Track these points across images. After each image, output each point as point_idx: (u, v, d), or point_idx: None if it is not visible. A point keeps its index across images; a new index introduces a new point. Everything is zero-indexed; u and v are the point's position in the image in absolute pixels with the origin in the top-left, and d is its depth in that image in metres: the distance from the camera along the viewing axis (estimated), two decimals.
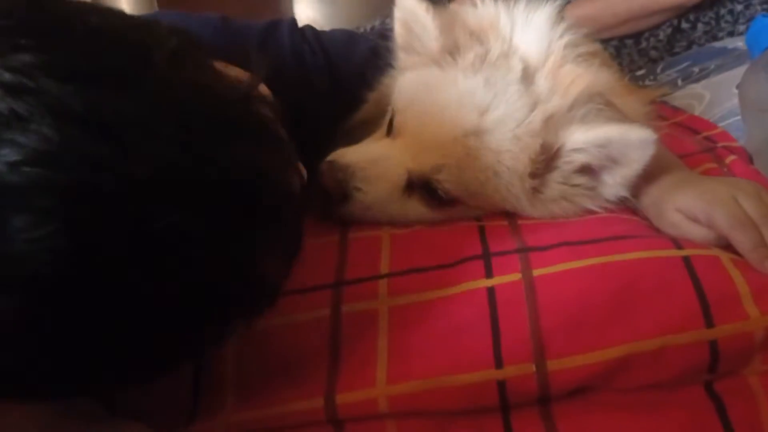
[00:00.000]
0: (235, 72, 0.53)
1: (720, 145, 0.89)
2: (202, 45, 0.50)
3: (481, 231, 0.69)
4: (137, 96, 0.41)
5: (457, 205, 0.72)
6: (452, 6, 0.96)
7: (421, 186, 0.72)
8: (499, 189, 0.71)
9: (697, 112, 1.04)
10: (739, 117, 0.96)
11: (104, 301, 0.40)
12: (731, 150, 0.87)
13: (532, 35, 0.78)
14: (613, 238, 0.64)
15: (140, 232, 0.40)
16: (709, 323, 0.54)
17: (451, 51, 0.76)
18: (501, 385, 0.54)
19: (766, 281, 0.58)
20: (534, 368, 0.54)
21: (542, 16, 0.79)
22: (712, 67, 1.16)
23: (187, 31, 0.50)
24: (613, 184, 0.72)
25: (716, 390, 0.55)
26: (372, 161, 0.71)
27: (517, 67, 0.74)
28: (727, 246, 0.64)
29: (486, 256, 0.64)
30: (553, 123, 0.71)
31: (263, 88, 0.58)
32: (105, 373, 0.44)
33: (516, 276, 0.60)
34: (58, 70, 0.39)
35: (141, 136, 0.40)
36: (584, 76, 0.76)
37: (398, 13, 0.81)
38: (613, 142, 0.68)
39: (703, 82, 1.12)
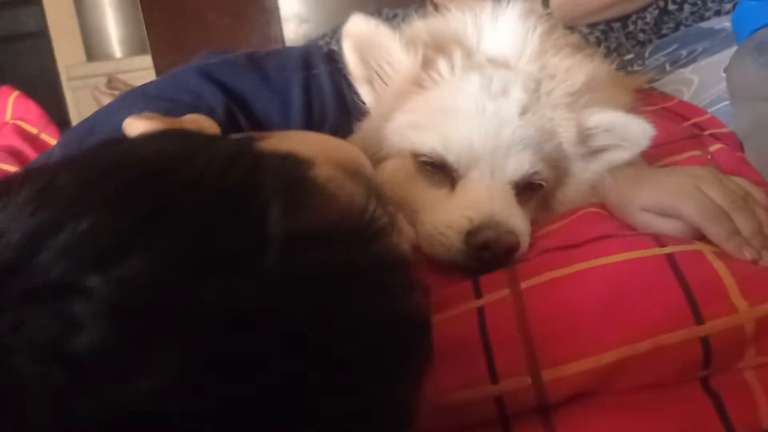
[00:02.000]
0: (337, 180, 0.48)
1: (708, 132, 0.90)
2: (309, 162, 0.46)
3: None
4: (257, 281, 0.37)
5: (539, 192, 0.77)
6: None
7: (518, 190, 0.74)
8: (566, 157, 0.77)
9: (685, 98, 1.04)
10: (727, 102, 0.96)
11: None
12: (718, 137, 0.88)
13: (504, 33, 0.81)
14: (596, 239, 0.65)
15: None
16: (699, 320, 0.54)
17: (422, 66, 0.77)
18: (498, 400, 0.54)
19: (752, 272, 0.58)
20: (530, 380, 0.54)
21: (511, 13, 0.82)
22: (700, 49, 1.15)
23: (291, 155, 0.45)
24: (598, 168, 0.78)
25: (713, 386, 0.55)
26: (514, 214, 0.71)
27: (482, 61, 0.78)
28: (702, 237, 0.65)
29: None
30: (576, 102, 0.77)
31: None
32: None
33: (504, 292, 0.61)
34: (168, 274, 0.35)
35: (268, 325, 0.36)
36: (581, 65, 0.81)
37: (350, 42, 0.77)
38: (616, 127, 0.75)
39: (691, 66, 1.12)
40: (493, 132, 0.73)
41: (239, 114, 0.76)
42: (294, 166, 0.45)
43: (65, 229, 0.35)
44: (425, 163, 0.75)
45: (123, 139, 0.52)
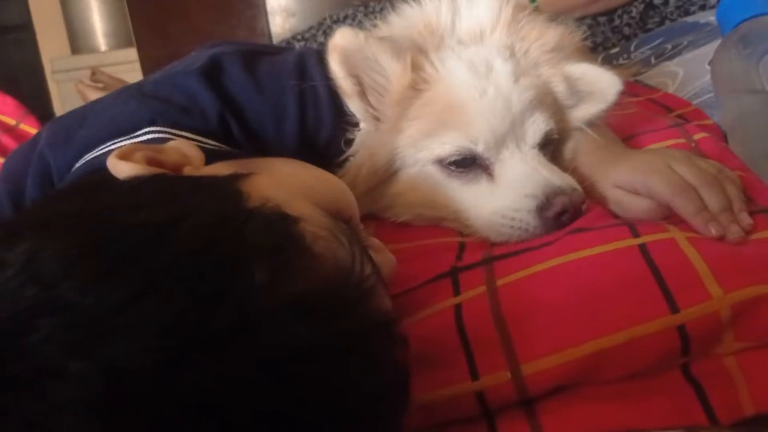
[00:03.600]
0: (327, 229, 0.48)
1: (693, 123, 0.90)
2: (296, 225, 0.45)
3: (461, 246, 0.72)
4: (240, 363, 0.36)
5: (551, 147, 0.80)
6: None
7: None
8: (561, 109, 0.81)
9: (670, 90, 1.05)
10: (712, 94, 0.96)
11: None
12: (703, 128, 0.87)
13: (480, 9, 0.83)
14: (571, 232, 0.66)
15: None
16: (674, 309, 0.54)
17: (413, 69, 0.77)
18: (479, 396, 0.54)
19: (725, 258, 0.58)
20: (509, 375, 0.54)
21: None
22: (685, 43, 1.16)
23: (279, 214, 0.45)
24: (577, 119, 0.81)
25: (694, 374, 0.54)
26: (558, 171, 0.75)
27: (452, 44, 0.81)
28: (671, 215, 0.66)
29: (453, 273, 0.65)
30: (554, 58, 0.81)
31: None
32: None
33: (481, 289, 0.61)
34: (149, 359, 0.35)
35: (253, 407, 0.36)
36: (551, 29, 0.84)
37: (337, 56, 0.75)
38: (588, 76, 0.79)
39: (676, 60, 1.12)
40: (504, 108, 0.75)
41: (232, 121, 0.74)
42: (281, 228, 0.44)
43: (51, 312, 0.35)
44: (453, 164, 0.75)
45: (106, 186, 0.52)
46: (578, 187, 0.72)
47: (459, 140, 0.74)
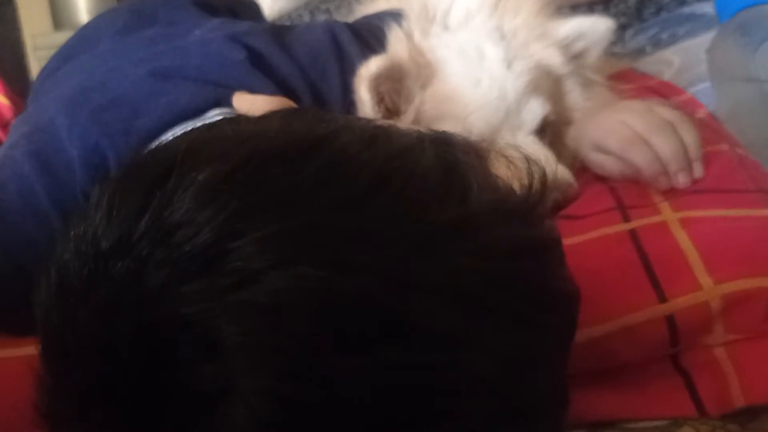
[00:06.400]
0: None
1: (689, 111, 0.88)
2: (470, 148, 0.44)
3: None
4: (472, 255, 0.35)
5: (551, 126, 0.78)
6: None
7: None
8: (559, 80, 0.80)
9: (666, 78, 1.03)
10: (708, 83, 0.96)
11: None
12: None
13: None
14: (561, 217, 0.65)
15: None
16: (662, 298, 0.53)
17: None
18: None
19: (718, 245, 0.57)
20: None
21: None
22: (682, 32, 1.16)
23: (448, 142, 0.43)
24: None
25: (683, 364, 0.54)
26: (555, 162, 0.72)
27: (437, 30, 0.79)
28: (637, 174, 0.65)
29: None
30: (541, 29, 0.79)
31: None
32: None
33: None
34: (391, 254, 0.33)
35: (492, 299, 0.35)
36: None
37: (368, 84, 0.71)
38: (581, 30, 0.79)
39: (672, 48, 1.12)
40: (499, 97, 0.74)
41: None
42: (472, 143, 0.45)
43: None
44: None
45: (252, 121, 0.48)
46: (573, 181, 0.70)
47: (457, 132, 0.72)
